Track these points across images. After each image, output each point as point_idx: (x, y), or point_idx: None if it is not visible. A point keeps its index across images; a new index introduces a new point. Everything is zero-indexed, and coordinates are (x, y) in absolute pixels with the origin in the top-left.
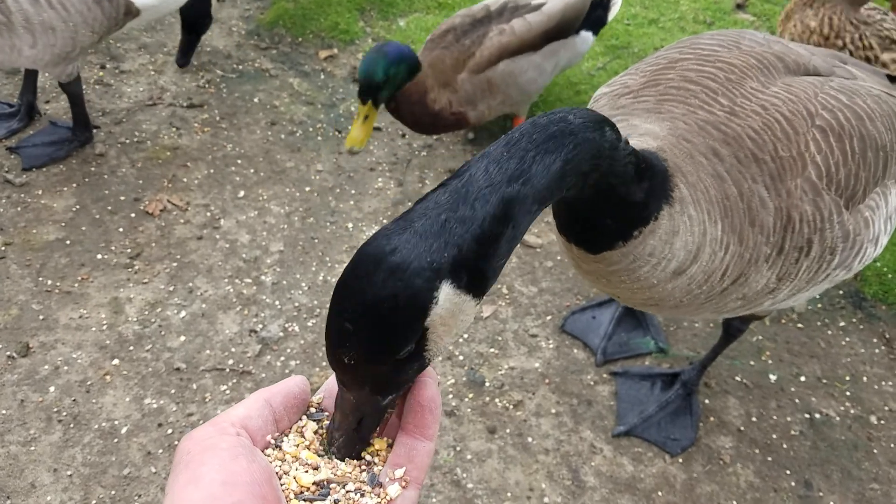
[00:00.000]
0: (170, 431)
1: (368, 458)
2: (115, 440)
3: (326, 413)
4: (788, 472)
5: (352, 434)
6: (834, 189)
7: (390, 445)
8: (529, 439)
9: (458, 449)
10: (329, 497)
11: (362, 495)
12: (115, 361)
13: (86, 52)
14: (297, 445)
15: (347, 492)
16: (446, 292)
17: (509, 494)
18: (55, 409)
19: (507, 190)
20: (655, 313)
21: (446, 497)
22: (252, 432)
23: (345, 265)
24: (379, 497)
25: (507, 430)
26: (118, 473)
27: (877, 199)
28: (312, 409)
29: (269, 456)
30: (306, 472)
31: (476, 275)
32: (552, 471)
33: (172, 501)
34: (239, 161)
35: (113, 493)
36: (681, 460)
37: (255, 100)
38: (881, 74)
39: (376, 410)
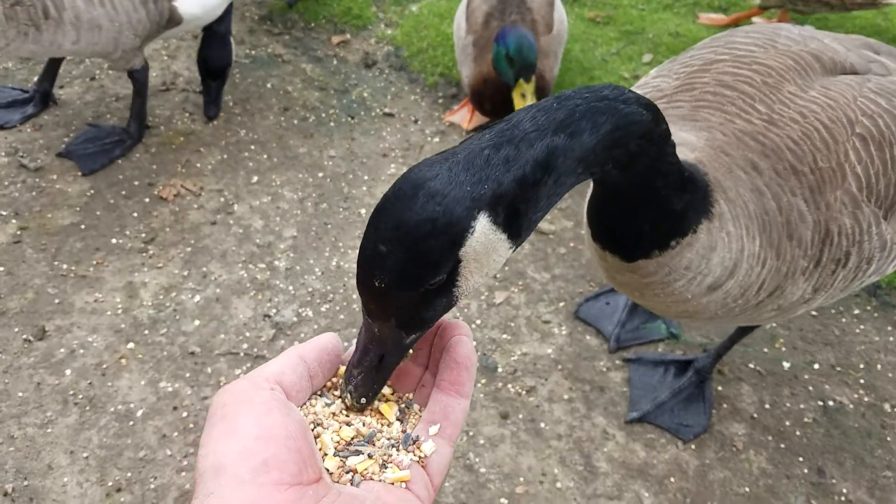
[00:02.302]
0: (185, 415)
1: (402, 415)
2: (131, 423)
3: None
4: (801, 459)
5: (371, 372)
6: (874, 200)
7: (422, 408)
8: (542, 425)
9: (470, 434)
10: (363, 453)
11: (397, 451)
12: (131, 345)
13: (140, 49)
14: (332, 402)
15: (381, 447)
16: (483, 224)
17: (522, 479)
18: (71, 392)
19: (554, 139)
20: (689, 323)
21: (459, 481)
22: (286, 388)
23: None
24: (413, 453)
25: (520, 416)
26: (134, 456)
27: None
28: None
29: (303, 411)
30: (340, 427)
31: (513, 215)
32: (564, 456)
33: (208, 454)
34: (252, 146)
35: (129, 475)
36: (693, 447)
37: (268, 85)
38: None
39: (398, 348)
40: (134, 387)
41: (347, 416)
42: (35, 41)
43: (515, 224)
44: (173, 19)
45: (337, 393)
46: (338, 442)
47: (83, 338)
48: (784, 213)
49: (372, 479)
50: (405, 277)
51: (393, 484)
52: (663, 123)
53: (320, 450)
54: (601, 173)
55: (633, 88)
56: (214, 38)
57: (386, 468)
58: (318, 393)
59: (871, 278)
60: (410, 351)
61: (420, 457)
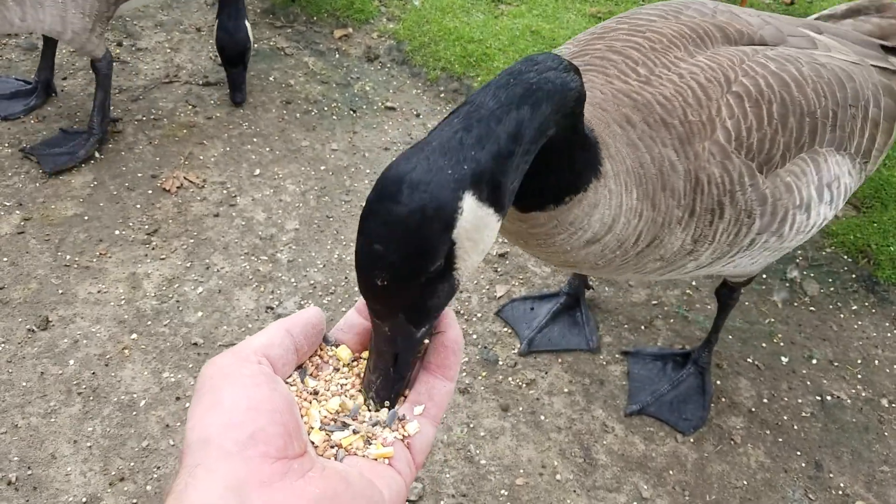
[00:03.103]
0: (187, 405)
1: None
2: (134, 413)
3: (343, 344)
4: (799, 453)
5: (388, 374)
6: (745, 152)
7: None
8: (542, 417)
9: (471, 426)
10: (348, 428)
11: (382, 428)
12: (134, 336)
13: (100, 33)
14: (316, 377)
15: (367, 424)
16: (469, 203)
17: (522, 471)
18: (75, 382)
19: (519, 112)
20: (577, 271)
21: (460, 472)
22: (273, 361)
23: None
24: (397, 431)
25: (520, 408)
26: (137, 445)
27: (802, 166)
28: (329, 341)
29: (290, 385)
30: (326, 403)
31: (495, 188)
32: (564, 448)
33: (195, 426)
34: (254, 139)
35: (132, 464)
36: (692, 440)
37: (271, 78)
38: (872, 44)
39: (411, 343)
40: (137, 377)
41: (332, 390)
42: None
43: (499, 196)
44: None
45: (323, 368)
46: (324, 418)
47: (86, 328)
48: (657, 163)
49: (356, 454)
50: (406, 270)
51: (376, 460)
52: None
53: (306, 423)
54: (547, 137)
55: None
56: (226, 25)
57: (370, 444)
58: (304, 366)
59: (767, 239)
60: (426, 341)
61: (404, 435)
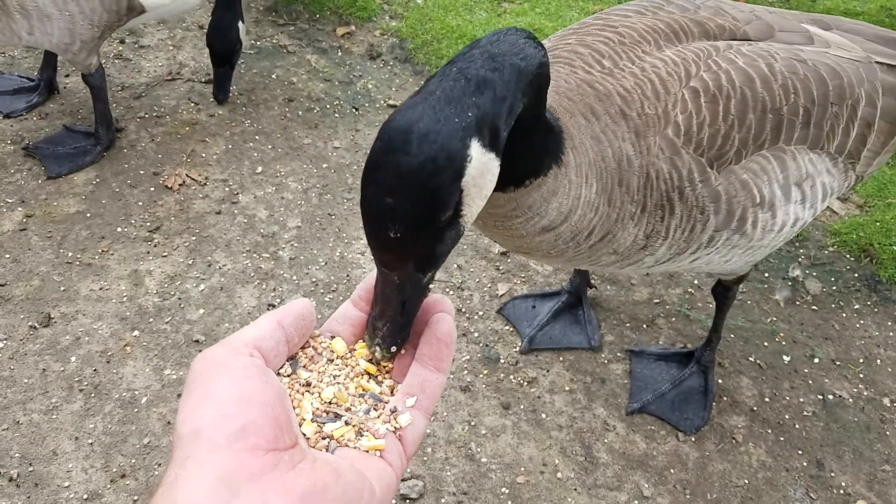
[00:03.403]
0: None
1: (379, 387)
2: (136, 410)
3: (339, 336)
4: (800, 452)
5: (396, 320)
6: (694, 148)
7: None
8: (543, 415)
9: (472, 424)
10: (340, 419)
11: (373, 420)
12: (136, 333)
13: (96, 46)
14: (310, 369)
15: (358, 415)
16: (476, 150)
17: (523, 469)
18: (76, 379)
19: (514, 59)
20: (531, 259)
21: (461, 470)
22: (264, 353)
23: (362, 242)
24: (389, 423)
25: (522, 406)
26: (138, 442)
27: (762, 163)
28: (318, 334)
29: (281, 377)
30: (319, 395)
31: (495, 133)
32: (565, 447)
33: (186, 419)
34: (257, 137)
35: (133, 461)
36: (693, 439)
37: (273, 76)
38: (889, 40)
39: (418, 290)
40: (139, 374)
41: (325, 381)
42: None
43: (497, 141)
44: (133, 7)
45: (315, 360)
46: (316, 408)
47: (88, 325)
48: (616, 158)
49: (347, 445)
50: (419, 221)
51: (368, 451)
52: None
53: (298, 416)
54: (523, 104)
55: None
56: (219, 23)
57: (362, 436)
58: (297, 357)
59: (730, 237)
60: (431, 287)
61: (396, 427)
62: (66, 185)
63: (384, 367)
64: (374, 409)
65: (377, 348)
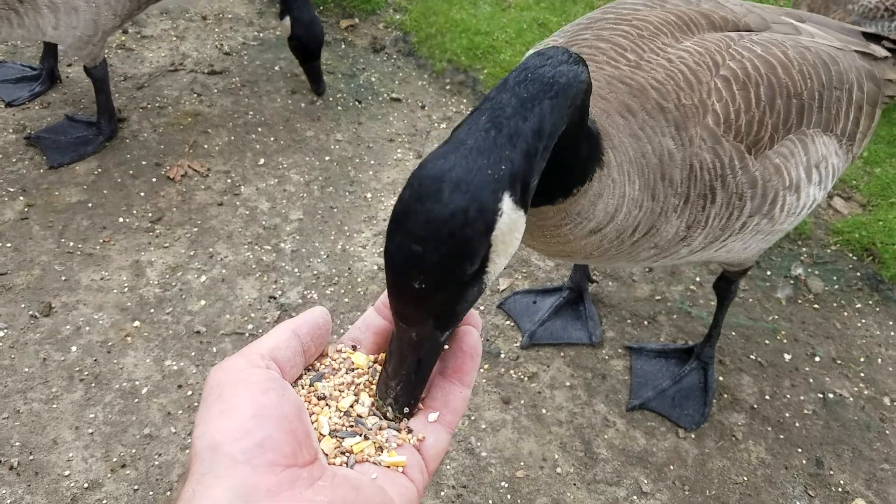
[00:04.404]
0: (189, 393)
1: None
2: (136, 400)
3: (360, 348)
4: (800, 450)
5: (410, 380)
6: (734, 135)
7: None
8: (543, 411)
9: (472, 418)
10: (360, 434)
11: (395, 434)
12: (136, 323)
13: (108, 36)
14: (329, 381)
15: (379, 429)
16: (507, 204)
17: (522, 464)
18: (77, 369)
19: (542, 107)
20: (569, 261)
21: (461, 464)
22: (281, 364)
23: (363, 235)
24: (409, 439)
25: (522, 402)
26: (138, 433)
27: (791, 147)
28: (336, 343)
29: (299, 390)
30: (337, 408)
31: (525, 188)
32: (565, 442)
33: (203, 433)
34: (259, 129)
35: (133, 451)
36: (693, 435)
37: (276, 68)
38: (853, 32)
39: (434, 349)
40: (139, 364)
41: (344, 395)
42: (20, 25)
43: (527, 198)
44: None
45: (333, 372)
46: (334, 423)
47: (89, 315)
48: (657, 153)
49: (367, 460)
50: (445, 272)
51: (388, 467)
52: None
53: (316, 430)
54: (560, 131)
55: (528, 52)
56: (301, 18)
57: (382, 451)
58: (316, 368)
59: (759, 222)
60: (446, 346)
61: (416, 441)
62: (68, 174)
63: None
64: (396, 423)
65: (389, 409)
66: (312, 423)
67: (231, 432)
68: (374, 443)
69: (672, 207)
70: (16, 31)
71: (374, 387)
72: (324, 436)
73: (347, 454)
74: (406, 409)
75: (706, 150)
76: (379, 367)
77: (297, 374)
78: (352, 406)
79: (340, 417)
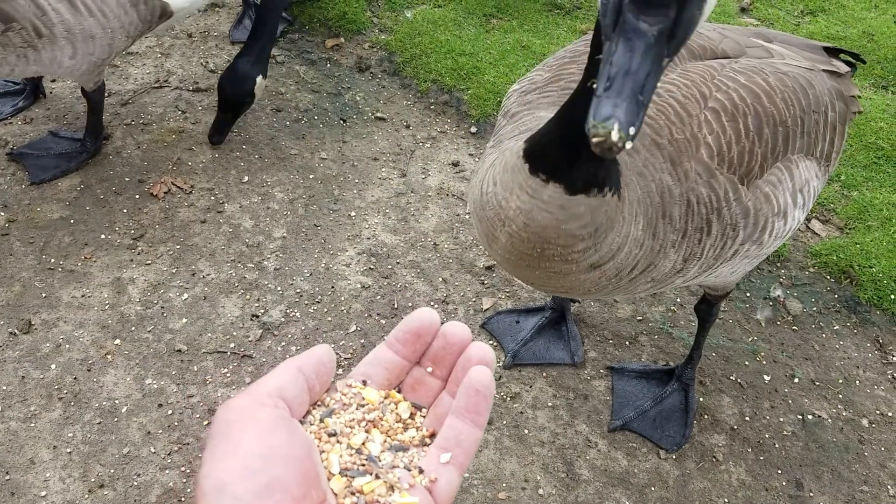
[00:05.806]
0: (170, 412)
1: (414, 435)
2: (115, 419)
3: (370, 384)
4: (780, 471)
5: (637, 99)
6: (727, 167)
7: (432, 436)
8: (525, 431)
9: None
10: (371, 473)
11: (406, 473)
12: (117, 341)
13: (101, 72)
14: (339, 418)
15: (390, 468)
16: None
17: (504, 485)
18: (56, 387)
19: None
20: (563, 295)
21: None
22: (288, 402)
23: (347, 253)
24: (421, 479)
25: (504, 422)
26: (118, 452)
27: (779, 175)
28: (345, 378)
29: (308, 427)
30: (349, 445)
31: None
32: (547, 463)
33: (210, 473)
34: (244, 146)
35: (112, 471)
36: (674, 456)
37: None
38: (815, 48)
39: (658, 69)
40: (119, 383)
41: (355, 432)
42: (36, 62)
43: None
44: (165, 13)
45: (342, 410)
46: (344, 462)
47: (69, 332)
48: (658, 191)
49: (378, 501)
50: None
51: None
52: None
53: (326, 468)
54: None
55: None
56: (239, 68)
57: (394, 491)
58: (326, 404)
59: (748, 248)
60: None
61: (428, 481)
62: (50, 190)
63: (418, 414)
64: (408, 462)
65: (615, 128)
66: (322, 460)
67: (238, 472)
68: (386, 482)
69: (671, 243)
70: (30, 68)
71: (385, 423)
72: (333, 474)
73: (358, 494)
74: (632, 130)
75: (702, 184)
76: (390, 404)
77: (304, 411)
78: (363, 443)
79: (352, 455)
